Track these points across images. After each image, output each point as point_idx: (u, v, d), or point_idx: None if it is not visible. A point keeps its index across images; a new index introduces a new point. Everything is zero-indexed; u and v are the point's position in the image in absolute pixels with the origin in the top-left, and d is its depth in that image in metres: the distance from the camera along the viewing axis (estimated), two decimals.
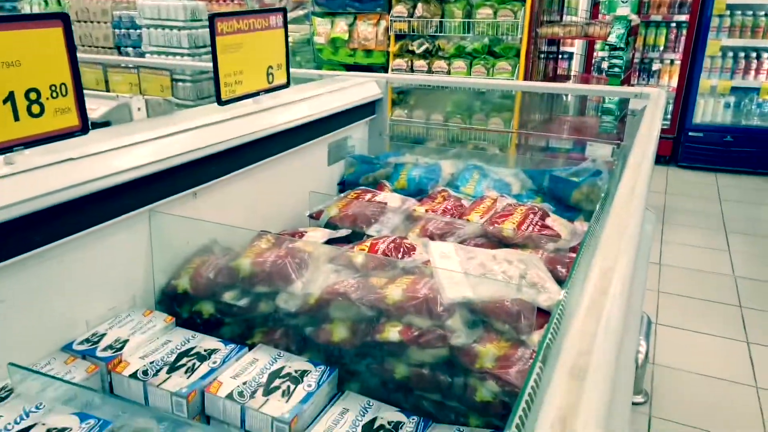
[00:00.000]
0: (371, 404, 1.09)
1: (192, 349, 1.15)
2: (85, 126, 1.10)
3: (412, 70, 3.74)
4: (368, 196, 1.78)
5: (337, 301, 1.16)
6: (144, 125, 1.32)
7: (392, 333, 1.10)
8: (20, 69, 0.98)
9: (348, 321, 1.17)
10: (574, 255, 1.41)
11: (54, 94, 1.04)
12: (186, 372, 1.08)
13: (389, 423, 1.05)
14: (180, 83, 4.70)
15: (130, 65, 4.52)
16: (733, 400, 2.48)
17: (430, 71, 3.67)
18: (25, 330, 1.04)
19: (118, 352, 1.10)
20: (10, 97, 0.97)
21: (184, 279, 1.30)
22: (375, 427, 1.04)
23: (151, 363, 1.09)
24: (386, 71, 3.97)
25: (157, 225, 1.27)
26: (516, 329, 1.09)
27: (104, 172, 1.09)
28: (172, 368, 1.08)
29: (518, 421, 0.66)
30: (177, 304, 1.31)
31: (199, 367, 1.09)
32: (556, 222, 1.59)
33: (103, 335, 1.15)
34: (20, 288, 1.01)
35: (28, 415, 0.78)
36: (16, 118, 0.98)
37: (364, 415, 1.06)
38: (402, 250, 1.38)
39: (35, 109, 1.01)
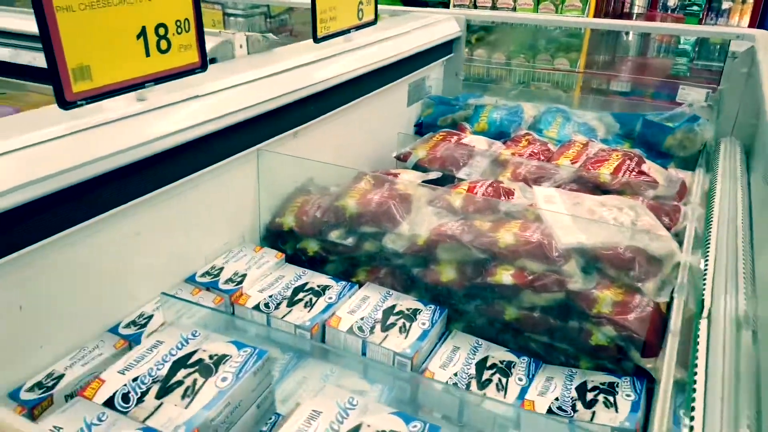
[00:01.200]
0: (480, 343, 1.12)
1: (305, 284, 1.18)
2: (204, 63, 1.10)
3: (475, 5, 3.60)
4: (454, 138, 1.76)
5: (447, 243, 1.18)
6: (249, 63, 1.32)
7: (505, 276, 1.11)
8: (151, 3, 0.97)
9: (456, 263, 1.18)
10: (675, 203, 1.38)
11: (179, 30, 1.04)
12: (305, 306, 1.12)
13: (501, 362, 1.08)
14: (232, 18, 4.63)
15: None
16: None
17: (494, 6, 3.53)
18: (154, 261, 1.09)
19: (239, 286, 1.15)
20: (143, 33, 0.97)
21: (289, 217, 1.32)
22: (488, 365, 1.07)
23: (270, 297, 1.14)
24: (446, 6, 3.83)
25: (264, 164, 1.29)
26: (630, 276, 1.09)
27: (225, 110, 1.10)
28: (291, 302, 1.13)
29: None
30: (281, 241, 1.35)
31: (316, 302, 1.13)
32: (651, 168, 1.55)
33: (221, 269, 1.19)
34: (151, 222, 1.05)
35: (187, 342, 0.83)
36: (147, 54, 0.99)
37: (475, 353, 1.10)
38: (501, 193, 1.38)
39: (163, 45, 1.01)
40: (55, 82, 0.85)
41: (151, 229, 1.05)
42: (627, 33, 4.79)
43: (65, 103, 0.87)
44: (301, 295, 1.15)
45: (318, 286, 1.18)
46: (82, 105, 0.89)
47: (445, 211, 1.30)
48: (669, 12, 4.99)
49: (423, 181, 1.55)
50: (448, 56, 2.14)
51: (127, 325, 1.02)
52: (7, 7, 2.33)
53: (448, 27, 2.04)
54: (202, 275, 1.17)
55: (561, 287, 1.07)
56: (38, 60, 1.71)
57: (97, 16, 0.89)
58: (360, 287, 1.21)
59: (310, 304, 1.12)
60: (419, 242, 1.20)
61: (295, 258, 1.33)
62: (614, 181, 1.45)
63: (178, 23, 1.04)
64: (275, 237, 1.36)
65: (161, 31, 1.01)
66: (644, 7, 5.00)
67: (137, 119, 0.96)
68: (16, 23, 1.75)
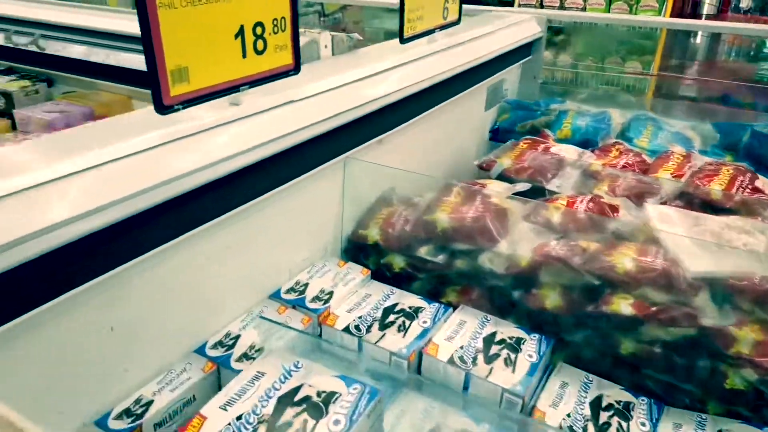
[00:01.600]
0: (591, 379, 1.01)
1: (395, 305, 1.10)
2: (297, 65, 1.02)
3: (541, 5, 3.45)
4: (541, 146, 1.65)
5: (554, 265, 1.07)
6: (338, 65, 1.24)
7: (623, 306, 1.00)
8: (251, 0, 0.90)
9: (561, 287, 1.08)
10: None
11: (275, 30, 0.96)
12: (399, 330, 1.03)
13: (618, 402, 0.96)
14: None
15: None
16: None
17: (562, 6, 3.38)
18: (241, 276, 1.02)
19: (326, 305, 1.07)
20: (241, 32, 0.90)
21: (374, 230, 1.24)
22: (603, 405, 0.96)
23: (360, 318, 1.05)
24: (509, 5, 3.69)
25: (351, 173, 1.20)
26: None
27: (320, 117, 1.02)
28: (383, 325, 1.04)
29: None
30: (364, 254, 1.26)
31: (410, 326, 1.04)
32: (766, 185, 1.40)
33: (306, 285, 1.12)
34: (241, 236, 0.98)
35: (290, 374, 0.75)
36: (244, 55, 0.92)
37: (587, 391, 0.99)
38: (604, 210, 1.26)
39: (260, 45, 0.94)
40: (153, 85, 0.79)
41: (240, 243, 0.98)
42: (695, 35, 4.54)
43: (163, 108, 0.81)
44: (392, 317, 1.06)
45: (409, 308, 1.09)
46: (178, 110, 0.83)
47: (544, 228, 1.19)
48: (742, 13, 4.71)
49: (513, 194, 1.45)
50: (527, 58, 2.03)
51: (214, 346, 0.95)
52: (77, 3, 2.33)
53: (529, 27, 1.92)
54: (287, 291, 1.10)
55: (692, 322, 0.95)
56: (111, 58, 1.68)
57: (198, 13, 0.82)
58: (453, 310, 1.11)
59: (403, 328, 1.03)
60: (522, 263, 1.10)
61: (379, 273, 1.24)
62: (728, 199, 1.31)
63: (275, 22, 0.96)
64: (357, 250, 1.27)
65: (258, 30, 0.93)
66: (716, 7, 4.74)
67: (233, 126, 0.89)
68: (91, 20, 1.72)
